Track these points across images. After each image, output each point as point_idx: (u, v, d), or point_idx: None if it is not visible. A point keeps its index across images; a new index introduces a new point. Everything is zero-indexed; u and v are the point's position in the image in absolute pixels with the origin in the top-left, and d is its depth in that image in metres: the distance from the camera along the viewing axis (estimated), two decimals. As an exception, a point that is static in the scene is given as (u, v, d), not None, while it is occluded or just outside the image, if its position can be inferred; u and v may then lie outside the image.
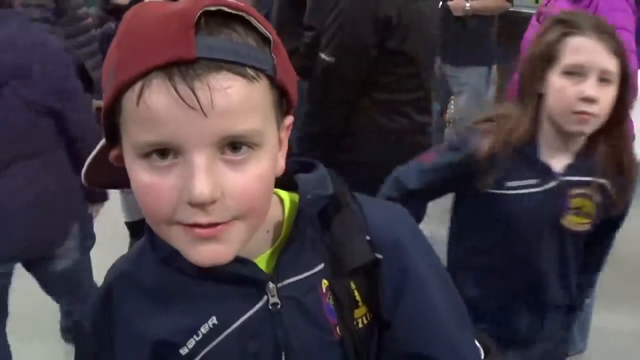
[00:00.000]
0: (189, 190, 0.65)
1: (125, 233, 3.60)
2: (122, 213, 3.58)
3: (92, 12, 2.87)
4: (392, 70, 2.27)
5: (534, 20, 2.49)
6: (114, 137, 0.72)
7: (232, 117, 0.65)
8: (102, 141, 0.76)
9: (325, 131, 2.29)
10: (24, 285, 3.41)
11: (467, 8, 4.06)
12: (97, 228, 2.96)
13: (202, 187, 0.64)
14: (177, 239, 0.69)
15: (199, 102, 0.63)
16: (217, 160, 0.66)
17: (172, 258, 0.77)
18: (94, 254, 2.94)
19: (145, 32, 0.65)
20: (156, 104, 0.64)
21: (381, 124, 2.31)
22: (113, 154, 0.75)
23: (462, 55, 4.19)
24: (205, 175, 0.65)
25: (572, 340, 2.75)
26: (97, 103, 2.68)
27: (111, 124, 0.70)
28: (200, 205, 0.66)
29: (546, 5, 2.41)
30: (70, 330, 2.93)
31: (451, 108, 4.89)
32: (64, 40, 2.55)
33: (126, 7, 3.06)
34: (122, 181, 0.77)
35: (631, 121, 2.48)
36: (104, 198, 2.64)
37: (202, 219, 0.66)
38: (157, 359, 0.78)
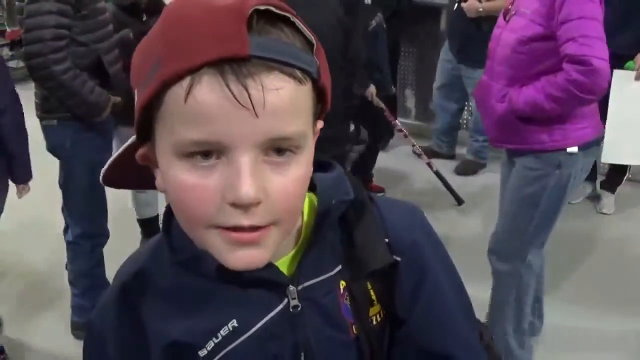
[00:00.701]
0: (234, 190, 0.64)
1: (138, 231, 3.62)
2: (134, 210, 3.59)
3: (109, 8, 2.85)
4: None
5: (500, 20, 2.47)
6: (143, 134, 0.71)
7: (281, 119, 0.64)
8: (131, 140, 0.74)
9: None
10: (36, 280, 3.43)
11: (480, 10, 4.06)
12: (110, 226, 2.97)
13: (248, 187, 0.63)
14: (214, 243, 0.68)
15: (251, 101, 0.61)
16: (260, 162, 0.65)
17: (191, 262, 0.75)
18: (106, 250, 2.96)
19: (194, 24, 0.63)
20: (207, 100, 0.62)
21: None
22: (141, 152, 0.73)
23: (476, 57, 4.17)
24: (251, 176, 0.64)
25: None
26: (114, 99, 2.67)
27: (145, 120, 0.68)
28: (245, 207, 0.64)
29: (512, 3, 2.40)
30: (81, 327, 2.92)
31: (467, 110, 4.88)
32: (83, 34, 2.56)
33: (146, 5, 3.04)
34: (142, 182, 0.77)
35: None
36: (27, 178, 2.65)
37: (244, 221, 0.65)
38: (171, 359, 0.78)
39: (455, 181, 4.38)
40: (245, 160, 0.64)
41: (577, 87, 2.11)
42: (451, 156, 4.78)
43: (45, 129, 2.74)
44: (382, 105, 3.92)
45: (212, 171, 0.65)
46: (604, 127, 2.50)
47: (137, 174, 0.76)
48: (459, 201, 4.10)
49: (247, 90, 0.61)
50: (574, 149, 2.31)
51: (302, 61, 0.65)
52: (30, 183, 2.71)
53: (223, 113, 0.62)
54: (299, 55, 0.65)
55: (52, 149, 2.77)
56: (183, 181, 0.66)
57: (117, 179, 0.82)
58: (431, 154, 4.77)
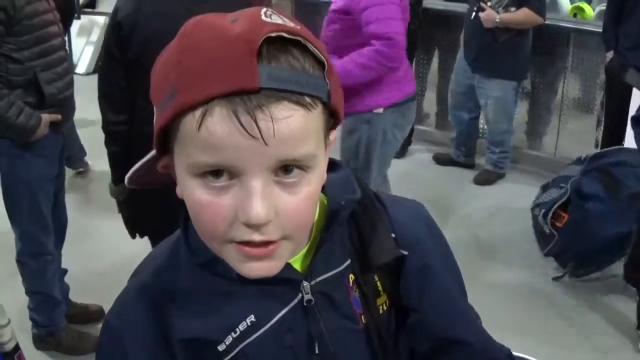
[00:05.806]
0: (246, 212, 0.68)
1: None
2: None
3: None
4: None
5: None
6: (163, 149, 0.75)
7: (290, 145, 0.67)
8: (152, 153, 0.78)
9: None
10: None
11: (497, 20, 4.04)
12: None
13: (258, 210, 0.68)
14: (229, 255, 0.73)
15: (260, 132, 0.65)
16: (271, 183, 0.69)
17: (211, 264, 0.79)
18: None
19: (207, 54, 0.66)
20: (218, 131, 0.66)
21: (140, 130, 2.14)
22: (162, 163, 0.78)
23: (491, 67, 4.18)
24: (262, 199, 0.68)
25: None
26: (53, 117, 2.55)
27: (163, 138, 0.73)
28: (256, 227, 0.69)
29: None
30: (41, 339, 2.87)
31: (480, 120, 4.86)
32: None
33: None
34: (162, 181, 0.81)
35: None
36: None
37: (256, 237, 0.70)
38: (186, 355, 0.81)
39: (472, 190, 4.38)
40: (256, 183, 0.68)
41: (382, 56, 2.71)
42: (470, 165, 4.75)
43: None
44: None
45: (226, 191, 0.69)
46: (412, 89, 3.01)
47: (157, 178, 0.81)
48: None
49: (256, 122, 0.65)
50: (380, 110, 2.90)
51: (311, 87, 0.68)
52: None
53: (234, 143, 0.66)
54: (309, 81, 0.68)
55: None
56: (199, 198, 0.70)
57: (142, 181, 0.86)
58: (450, 162, 4.79)
